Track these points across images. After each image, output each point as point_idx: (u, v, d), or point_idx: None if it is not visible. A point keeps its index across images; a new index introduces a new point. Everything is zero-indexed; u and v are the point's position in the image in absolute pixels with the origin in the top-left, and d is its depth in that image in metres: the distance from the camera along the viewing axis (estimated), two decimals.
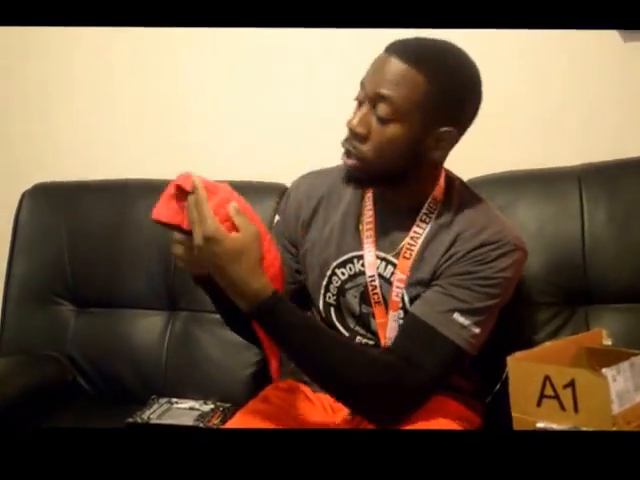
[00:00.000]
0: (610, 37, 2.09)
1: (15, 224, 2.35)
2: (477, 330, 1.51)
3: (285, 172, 1.99)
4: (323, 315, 1.68)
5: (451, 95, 1.50)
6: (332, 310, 1.67)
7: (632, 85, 2.12)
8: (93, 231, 2.29)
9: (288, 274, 1.69)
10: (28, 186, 2.39)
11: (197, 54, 2.45)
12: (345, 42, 2.26)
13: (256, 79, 2.40)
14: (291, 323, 1.46)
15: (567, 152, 2.10)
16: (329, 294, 1.67)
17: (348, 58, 2.28)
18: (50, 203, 2.37)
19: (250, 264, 1.42)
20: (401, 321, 1.59)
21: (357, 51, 2.21)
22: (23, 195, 2.37)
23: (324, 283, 1.67)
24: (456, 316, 1.49)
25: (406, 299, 1.58)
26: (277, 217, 1.76)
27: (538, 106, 2.19)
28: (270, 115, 2.39)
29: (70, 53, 2.53)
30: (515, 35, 2.04)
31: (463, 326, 1.50)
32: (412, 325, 1.53)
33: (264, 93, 2.40)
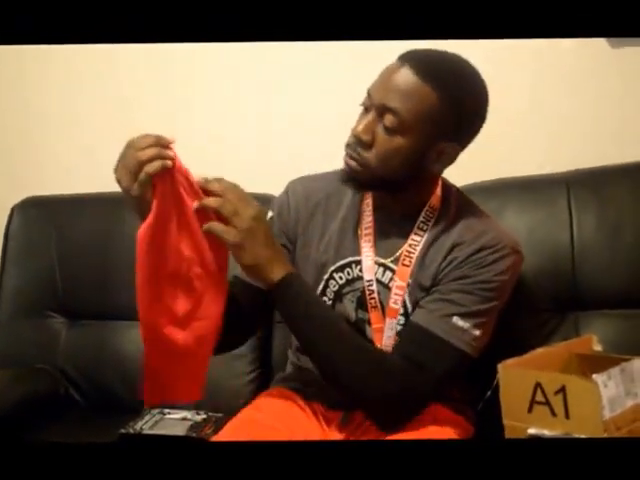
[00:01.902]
0: (597, 44, 2.10)
1: (5, 238, 2.35)
2: (477, 332, 1.53)
3: (272, 182, 1.99)
4: None
5: (459, 112, 1.52)
6: None
7: (619, 91, 2.12)
8: (83, 244, 2.29)
9: None
10: (18, 200, 2.39)
11: (185, 69, 2.45)
12: (332, 55, 2.26)
13: (242, 91, 2.41)
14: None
15: (555, 159, 2.10)
16: (325, 298, 1.66)
17: (335, 71, 2.29)
18: (40, 217, 2.37)
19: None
20: (399, 327, 1.60)
21: (344, 64, 2.23)
22: (13, 209, 2.37)
23: (320, 287, 1.67)
24: (455, 320, 1.51)
25: (409, 305, 1.60)
26: (270, 213, 1.73)
27: (526, 114, 2.20)
28: (257, 125, 2.40)
29: (63, 70, 2.53)
30: (501, 44, 2.05)
31: (464, 329, 1.51)
32: (414, 333, 1.55)
33: (251, 104, 2.40)
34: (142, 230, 1.40)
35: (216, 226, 1.43)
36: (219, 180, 1.45)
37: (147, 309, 1.45)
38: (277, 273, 1.48)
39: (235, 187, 1.45)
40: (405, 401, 1.51)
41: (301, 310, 1.52)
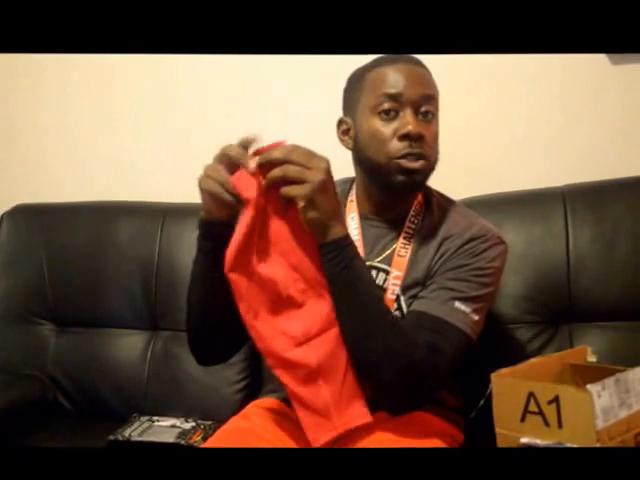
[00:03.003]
0: (599, 60, 2.11)
1: None
2: (476, 317, 1.55)
3: None
4: None
5: None
6: None
7: (618, 107, 2.13)
8: (73, 252, 2.30)
9: None
10: (8, 207, 2.40)
11: (180, 80, 2.46)
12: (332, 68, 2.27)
13: (235, 104, 2.42)
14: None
15: (552, 173, 2.11)
16: None
17: (323, 85, 2.29)
18: (30, 224, 2.38)
19: None
20: None
21: (329, 79, 2.23)
22: (3, 216, 2.39)
23: None
24: (457, 304, 1.54)
25: (403, 304, 1.61)
26: None
27: (523, 128, 2.21)
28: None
29: (54, 78, 2.55)
30: (500, 59, 2.06)
31: (465, 313, 1.54)
32: (419, 319, 1.54)
33: (241, 117, 2.39)
34: (228, 264, 1.41)
35: (285, 188, 1.40)
36: (278, 149, 1.41)
37: (263, 342, 1.45)
38: (337, 232, 1.44)
39: (296, 147, 1.41)
40: (425, 383, 1.51)
41: (351, 272, 1.47)
